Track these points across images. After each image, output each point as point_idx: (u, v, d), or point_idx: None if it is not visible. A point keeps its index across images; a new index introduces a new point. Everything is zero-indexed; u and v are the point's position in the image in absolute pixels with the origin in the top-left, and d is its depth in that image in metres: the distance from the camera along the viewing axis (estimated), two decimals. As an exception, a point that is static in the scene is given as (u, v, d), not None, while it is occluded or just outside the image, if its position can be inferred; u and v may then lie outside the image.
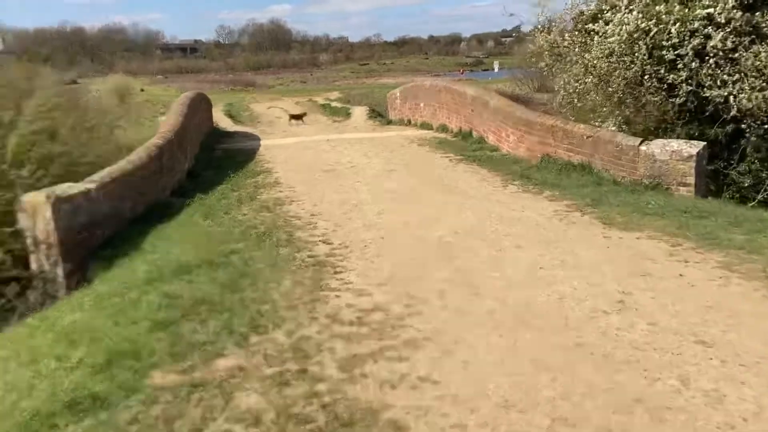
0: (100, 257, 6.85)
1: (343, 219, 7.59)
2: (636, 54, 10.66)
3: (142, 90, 48.99)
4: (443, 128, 15.25)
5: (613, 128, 11.09)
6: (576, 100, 11.81)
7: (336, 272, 5.64)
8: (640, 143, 9.44)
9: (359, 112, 21.64)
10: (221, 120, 21.48)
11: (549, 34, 12.89)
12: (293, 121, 21.00)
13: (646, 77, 10.61)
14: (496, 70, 64.35)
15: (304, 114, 21.73)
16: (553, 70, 12.95)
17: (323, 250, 6.33)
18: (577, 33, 12.25)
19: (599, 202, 7.76)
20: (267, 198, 9.03)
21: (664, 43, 10.39)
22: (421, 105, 16.84)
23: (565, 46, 12.46)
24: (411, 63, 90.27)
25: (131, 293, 5.33)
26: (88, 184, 7.40)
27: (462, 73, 66.51)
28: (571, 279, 5.14)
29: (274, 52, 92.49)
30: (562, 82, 12.63)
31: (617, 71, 10.87)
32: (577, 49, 11.92)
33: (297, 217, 7.82)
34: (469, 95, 13.80)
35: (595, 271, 5.30)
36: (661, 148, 9.24)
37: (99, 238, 7.22)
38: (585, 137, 10.25)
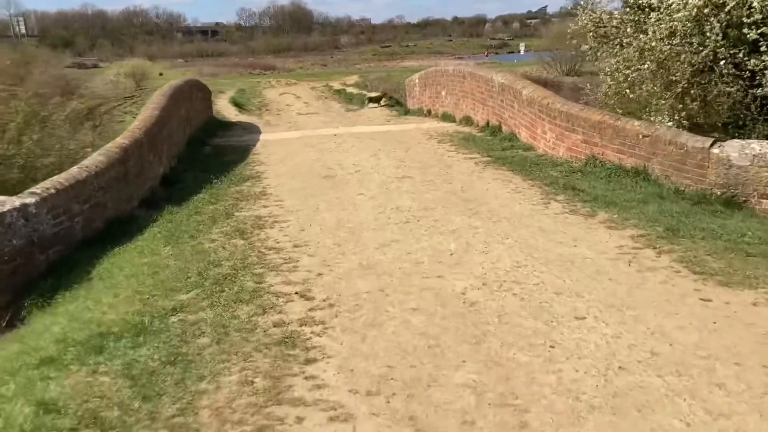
0: (40, 290, 5.32)
1: (335, 254, 5.68)
2: (707, 34, 8.55)
3: (160, 74, 47.43)
4: (467, 121, 13.22)
5: (669, 124, 9.02)
6: (628, 90, 9.72)
7: (307, 361, 3.74)
8: (712, 144, 7.46)
9: (376, 100, 19.64)
10: (225, 108, 19.66)
11: (594, 11, 10.76)
12: (371, 104, 19.29)
13: (720, 63, 8.51)
14: (522, 52, 61.70)
15: (381, 96, 19.95)
16: (598, 53, 10.84)
17: (297, 313, 4.43)
18: (628, 9, 10.13)
19: (675, 232, 5.75)
20: (246, 216, 7.15)
21: (744, 19, 8.27)
22: (443, 93, 14.81)
23: (614, 26, 10.34)
24: (434, 45, 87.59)
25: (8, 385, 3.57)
26: (26, 197, 5.84)
27: (487, 56, 64.01)
28: (677, 401, 3.16)
29: (294, 34, 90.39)
30: (608, 69, 10.54)
31: (682, 56, 8.77)
32: (629, 29, 9.81)
33: (276, 248, 5.93)
34: (498, 83, 11.75)
35: (711, 384, 3.31)
36: (738, 150, 7.27)
37: (41, 265, 5.81)
38: (640, 136, 8.26)
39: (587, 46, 10.80)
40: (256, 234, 6.43)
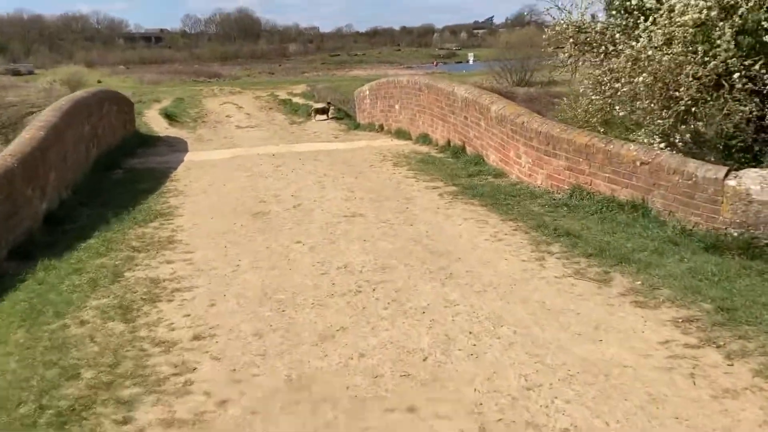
0: None
1: (252, 356, 3.78)
2: (718, 42, 7.01)
3: (99, 81, 44.60)
4: (425, 139, 11.46)
5: (661, 147, 7.47)
6: (617, 107, 8.11)
7: None
8: (726, 175, 5.93)
9: (323, 112, 17.74)
10: (155, 121, 17.45)
11: (571, 12, 9.14)
12: (317, 117, 17.28)
13: (734, 76, 6.96)
14: (470, 62, 60.79)
15: (328, 107, 17.90)
16: (579, 63, 9.22)
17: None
18: (615, 13, 8.54)
19: (731, 312, 4.05)
20: (139, 279, 5.20)
21: (764, 23, 6.76)
22: (397, 107, 13.04)
23: (597, 31, 8.73)
24: (383, 54, 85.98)
25: None
26: None
27: (436, 65, 62.84)
28: None
29: (242, 42, 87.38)
30: (588, 82, 8.95)
31: (687, 67, 7.19)
32: (618, 35, 8.21)
33: (167, 342, 4.00)
34: (461, 97, 10.04)
35: None
36: (760, 182, 5.89)
37: None
38: (638, 163, 6.69)
39: (565, 55, 9.16)
40: (144, 313, 4.49)
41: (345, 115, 17.93)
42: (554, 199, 7.45)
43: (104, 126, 10.79)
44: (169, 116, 18.66)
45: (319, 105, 18.96)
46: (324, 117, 17.39)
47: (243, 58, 79.12)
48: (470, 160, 9.52)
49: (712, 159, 7.06)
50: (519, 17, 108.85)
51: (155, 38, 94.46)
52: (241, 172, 9.53)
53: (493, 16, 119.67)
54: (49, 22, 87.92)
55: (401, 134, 12.58)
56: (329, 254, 5.55)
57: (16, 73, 53.59)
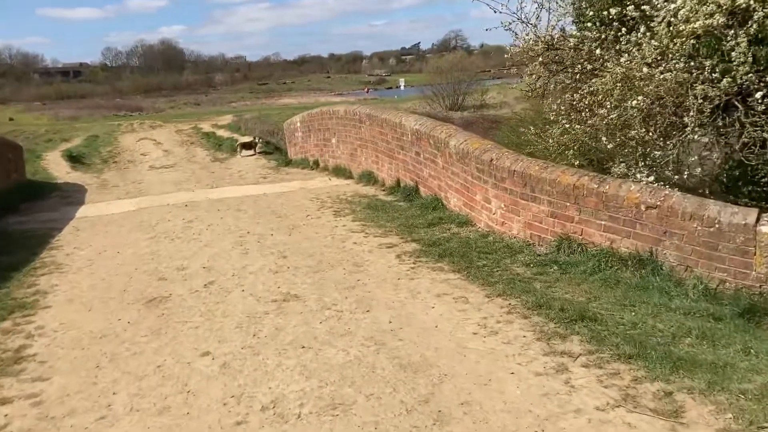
0: None
1: None
2: (731, 54, 5.59)
3: (10, 119, 41.10)
4: (369, 178, 9.71)
5: (650, 180, 6.00)
6: (604, 138, 6.57)
7: None
8: (758, 218, 4.55)
9: (249, 146, 15.79)
10: (55, 164, 15.11)
11: (536, 26, 7.62)
12: (243, 152, 15.23)
13: (756, 95, 5.53)
14: (402, 87, 59.78)
15: (255, 141, 15.86)
16: (549, 86, 7.68)
17: None
18: (590, 25, 7.08)
19: None
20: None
21: (791, 29, 5.39)
22: (333, 141, 11.27)
23: (571, 47, 7.22)
24: (313, 81, 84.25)
25: None
26: None
27: (367, 92, 61.61)
28: None
29: (166, 73, 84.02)
30: (558, 108, 7.43)
31: (697, 87, 5.73)
32: (598, 51, 6.71)
33: None
34: (411, 129, 8.36)
35: None
36: None
37: None
38: (643, 207, 5.20)
39: (532, 77, 7.61)
40: None
41: (274, 149, 16.06)
42: (538, 255, 5.85)
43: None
44: (74, 158, 16.33)
45: (246, 139, 17.06)
46: (251, 152, 15.49)
47: (167, 90, 75.97)
48: (426, 204, 7.83)
49: (714, 197, 5.69)
50: (444, 42, 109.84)
51: (74, 72, 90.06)
52: (141, 233, 7.51)
53: (419, 42, 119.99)
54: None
55: (340, 172, 10.80)
56: (250, 379, 3.66)
57: None
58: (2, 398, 3.70)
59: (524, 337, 4.04)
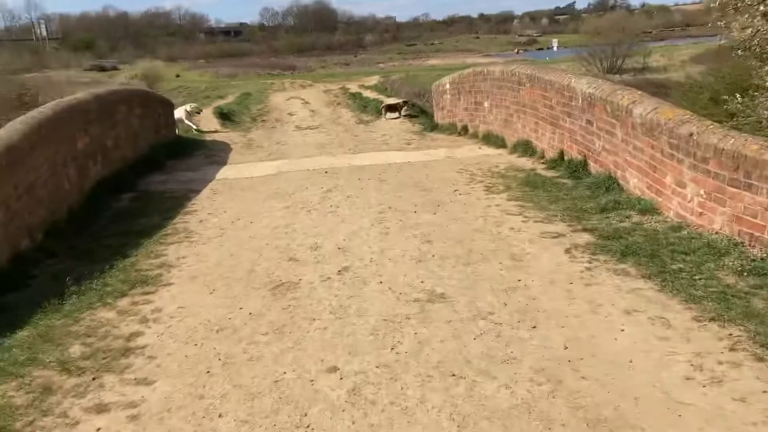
0: None
1: None
2: None
3: (177, 76, 43.45)
4: (525, 148, 8.52)
5: None
6: None
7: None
8: None
9: (395, 109, 14.99)
10: (206, 121, 15.16)
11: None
12: (388, 115, 14.58)
13: None
14: (554, 48, 56.28)
15: (401, 104, 14.97)
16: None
17: None
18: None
19: None
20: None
21: None
22: (486, 105, 10.13)
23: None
24: (461, 42, 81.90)
25: None
26: None
27: (517, 53, 58.84)
28: None
29: (318, 34, 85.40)
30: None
31: None
32: None
33: None
34: (583, 93, 7.06)
35: None
36: None
37: None
38: None
39: (747, 31, 6.02)
40: None
41: (420, 112, 15.11)
42: (753, 260, 4.46)
43: (117, 135, 8.42)
44: (225, 115, 16.37)
45: (391, 101, 16.23)
46: (395, 115, 14.65)
47: (319, 50, 77.24)
48: (598, 183, 6.55)
49: None
50: (602, 2, 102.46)
51: (234, 32, 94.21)
52: (277, 201, 6.91)
53: (574, 2, 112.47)
54: (133, 19, 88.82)
55: (491, 140, 9.66)
56: (385, 419, 2.79)
57: (102, 68, 53.77)
58: (100, 404, 3.12)
59: (765, 392, 2.84)
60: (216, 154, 10.67)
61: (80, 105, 7.20)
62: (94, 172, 7.40)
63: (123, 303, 4.39)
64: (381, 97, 19.78)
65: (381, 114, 15.18)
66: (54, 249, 5.65)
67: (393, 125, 13.65)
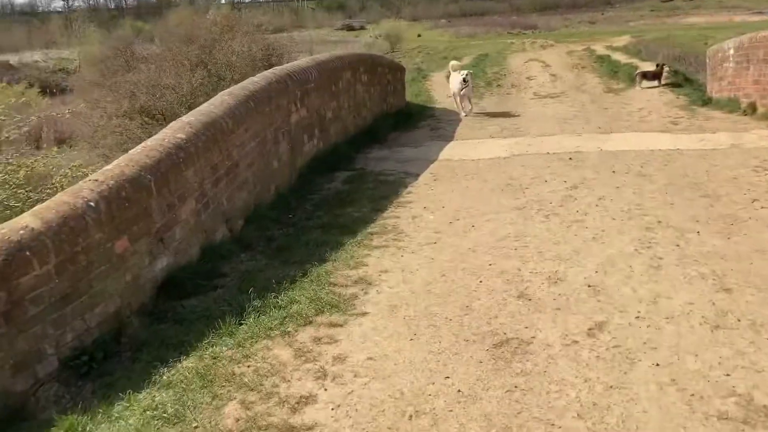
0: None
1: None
2: None
3: (419, 35, 43.42)
4: None
5: None
6: None
7: None
8: None
9: (653, 77, 12.51)
10: (438, 86, 14.11)
11: None
12: (644, 83, 12.48)
13: None
14: None
15: (660, 70, 12.43)
16: None
17: None
18: None
19: None
20: None
21: None
22: (791, 78, 7.59)
23: None
24: (726, -3, 71.22)
25: None
26: None
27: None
28: None
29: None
30: None
31: None
32: None
33: None
34: None
35: None
36: None
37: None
38: None
39: None
40: None
41: (684, 80, 12.45)
42: None
43: (339, 106, 7.61)
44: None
45: (647, 66, 13.69)
46: (654, 83, 12.21)
47: (564, 8, 72.44)
48: None
49: None
50: None
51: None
52: (507, 198, 5.50)
53: None
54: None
55: (797, 126, 7.18)
56: None
57: (350, 28, 56.21)
58: None
59: None
60: (442, 127, 9.48)
61: (298, 73, 6.42)
62: (308, 148, 6.65)
63: (304, 337, 3.40)
64: (633, 60, 17.03)
65: (635, 81, 12.79)
66: (251, 240, 4.91)
67: (651, 96, 11.30)
